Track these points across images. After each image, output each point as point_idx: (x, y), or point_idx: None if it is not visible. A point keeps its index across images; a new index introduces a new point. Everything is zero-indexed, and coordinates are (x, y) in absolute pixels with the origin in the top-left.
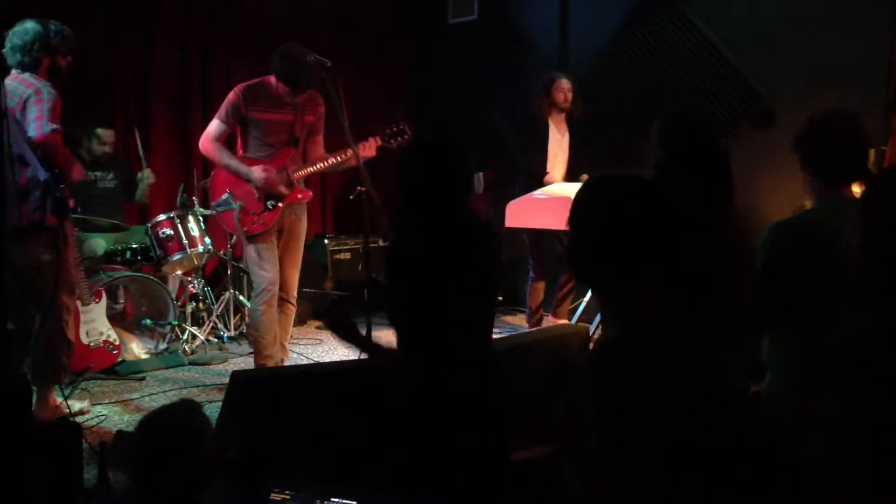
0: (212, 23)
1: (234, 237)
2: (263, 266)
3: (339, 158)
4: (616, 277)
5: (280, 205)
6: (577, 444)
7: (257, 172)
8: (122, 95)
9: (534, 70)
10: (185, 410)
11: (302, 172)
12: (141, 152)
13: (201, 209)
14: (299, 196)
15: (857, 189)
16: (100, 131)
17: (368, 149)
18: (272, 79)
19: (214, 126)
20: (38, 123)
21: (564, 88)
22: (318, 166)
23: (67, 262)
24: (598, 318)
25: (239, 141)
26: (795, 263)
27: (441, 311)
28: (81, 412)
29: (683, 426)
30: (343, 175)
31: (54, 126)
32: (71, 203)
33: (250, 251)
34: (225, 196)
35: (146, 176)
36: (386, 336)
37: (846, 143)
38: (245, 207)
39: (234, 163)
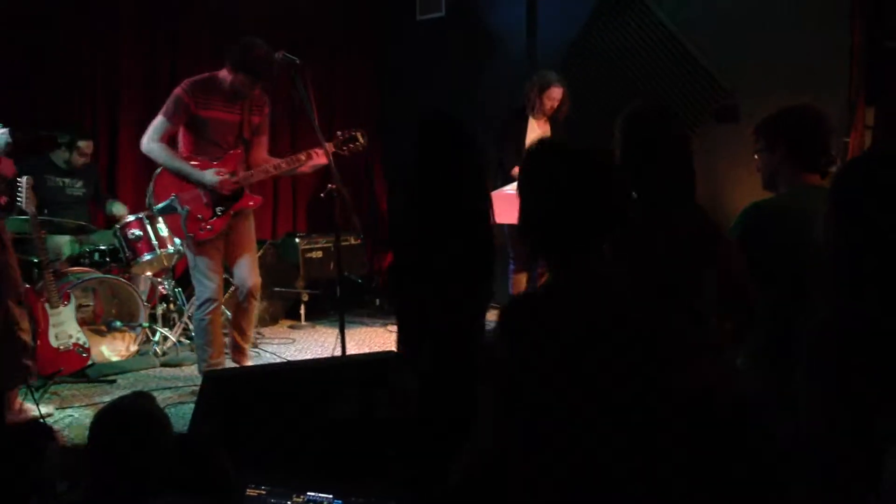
0: (179, 21)
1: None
2: (208, 276)
3: (291, 165)
4: (557, 243)
5: (231, 211)
6: (493, 391)
7: (210, 176)
8: (91, 97)
9: (502, 66)
10: (137, 399)
11: (251, 178)
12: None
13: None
14: (250, 203)
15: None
16: (81, 143)
17: (321, 156)
18: (223, 73)
19: (159, 124)
20: None
21: (554, 98)
22: (269, 171)
23: (9, 265)
24: None
25: (183, 140)
26: (768, 244)
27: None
28: (47, 416)
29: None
30: (313, 173)
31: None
32: (2, 200)
33: (197, 260)
34: (170, 200)
35: (118, 209)
36: (361, 335)
37: (820, 132)
38: (191, 213)
39: (182, 166)
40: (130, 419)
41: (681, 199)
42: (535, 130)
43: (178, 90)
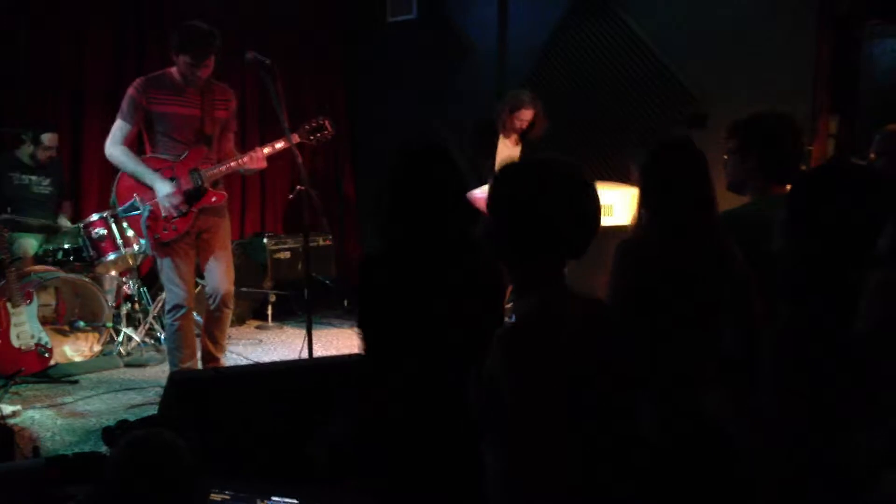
0: (146, 21)
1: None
2: (175, 281)
3: (250, 159)
4: (528, 258)
5: (193, 209)
6: (495, 420)
7: (163, 187)
8: (54, 95)
9: (472, 69)
10: (159, 437)
11: (215, 173)
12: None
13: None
14: (213, 199)
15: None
16: (44, 137)
17: (259, 160)
18: (172, 69)
19: (117, 127)
20: None
21: (524, 119)
22: (232, 167)
23: None
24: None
25: (145, 139)
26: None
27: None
28: (14, 414)
29: (591, 400)
30: (282, 173)
31: None
32: None
33: (163, 263)
34: (132, 201)
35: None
36: (329, 337)
37: (794, 145)
38: (154, 213)
39: (140, 168)
40: (153, 459)
41: (703, 228)
42: (506, 146)
43: (130, 89)
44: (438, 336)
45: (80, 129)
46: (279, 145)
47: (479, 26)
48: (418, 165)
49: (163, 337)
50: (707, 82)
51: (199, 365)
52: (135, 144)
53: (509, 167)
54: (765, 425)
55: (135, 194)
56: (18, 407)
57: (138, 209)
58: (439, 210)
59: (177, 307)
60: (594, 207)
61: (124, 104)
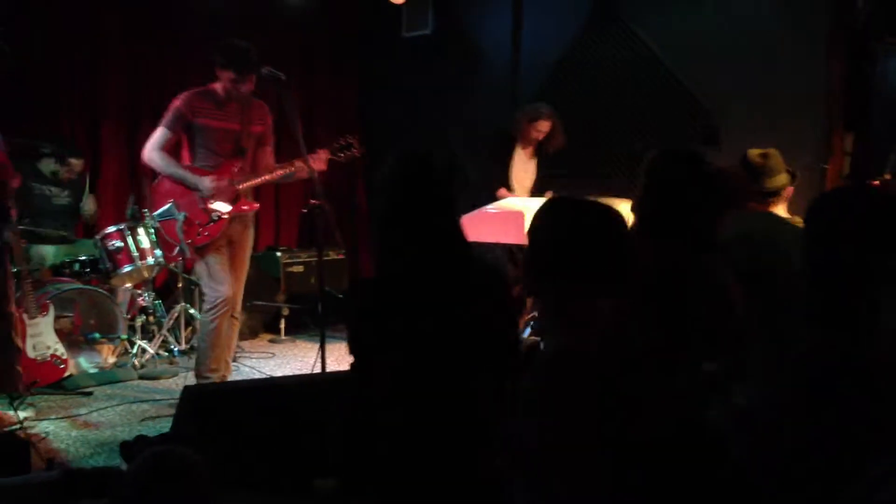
0: (163, 34)
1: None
2: (217, 280)
3: (286, 171)
4: (570, 289)
5: (224, 216)
6: (527, 449)
7: (207, 182)
8: (71, 106)
9: (487, 85)
10: (176, 454)
11: (248, 183)
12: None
13: (152, 221)
14: (244, 207)
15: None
16: (73, 160)
17: (319, 161)
18: (216, 84)
19: (159, 134)
20: None
21: (541, 130)
22: (264, 178)
23: (8, 272)
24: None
25: (185, 150)
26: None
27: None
28: (26, 420)
29: (635, 433)
30: (296, 187)
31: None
32: (13, 213)
33: (201, 265)
34: (168, 206)
35: (89, 207)
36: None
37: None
38: (189, 218)
39: (180, 171)
40: (171, 475)
41: (705, 245)
42: (522, 158)
43: (176, 101)
44: (431, 347)
45: (97, 145)
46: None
47: (493, 42)
48: (401, 169)
49: (177, 349)
50: (719, 99)
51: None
52: (173, 151)
53: (554, 202)
54: (780, 449)
55: (171, 200)
56: (31, 413)
57: (174, 215)
58: (422, 214)
59: (219, 305)
60: (628, 251)
61: (168, 114)
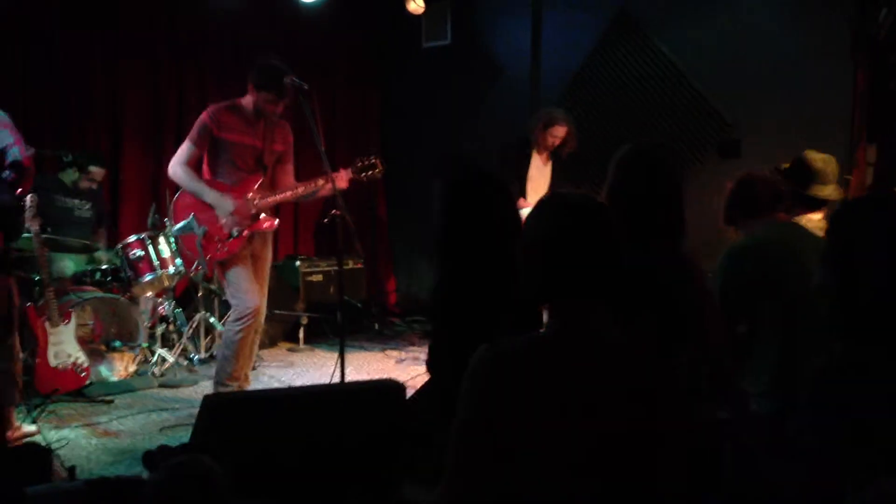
0: (185, 46)
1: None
2: (244, 290)
3: (308, 189)
4: (555, 289)
5: (245, 233)
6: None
7: (228, 204)
8: (94, 117)
9: (506, 94)
10: (196, 463)
11: (269, 201)
12: None
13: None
14: (265, 225)
15: (815, 217)
16: (93, 168)
17: (340, 180)
18: (245, 99)
19: (185, 149)
20: (20, 147)
21: (557, 135)
22: (286, 195)
23: (7, 284)
24: None
25: (206, 164)
26: (752, 283)
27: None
28: (32, 433)
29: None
30: (318, 198)
31: (32, 150)
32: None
33: (230, 275)
34: (188, 220)
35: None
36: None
37: (752, 181)
38: (209, 233)
39: (203, 189)
40: (193, 485)
41: (670, 246)
42: (537, 164)
43: (203, 115)
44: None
45: (119, 154)
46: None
47: (512, 52)
48: (473, 193)
49: (197, 358)
50: (741, 111)
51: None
52: (198, 165)
53: (542, 201)
54: (801, 460)
55: (191, 214)
56: (36, 427)
57: (193, 230)
58: (496, 239)
59: (247, 316)
60: (607, 245)
61: (195, 128)
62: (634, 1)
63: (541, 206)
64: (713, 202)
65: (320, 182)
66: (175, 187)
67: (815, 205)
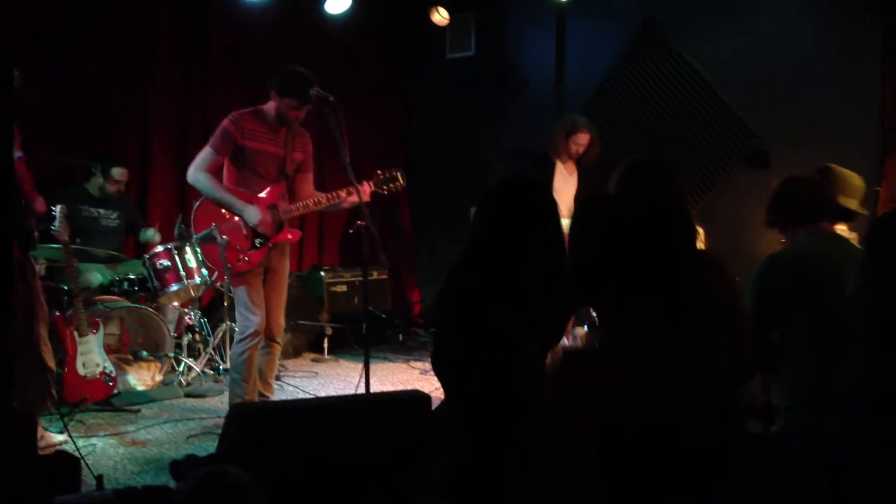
0: (211, 55)
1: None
2: (252, 309)
3: (331, 200)
4: (607, 294)
5: (269, 244)
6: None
7: (254, 213)
8: (122, 127)
9: (530, 106)
10: (226, 474)
11: (293, 211)
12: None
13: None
14: (289, 236)
15: (840, 227)
16: (115, 170)
17: (364, 193)
18: (268, 105)
19: (206, 155)
20: None
21: (580, 143)
22: (309, 206)
23: (38, 294)
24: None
25: (226, 171)
26: (788, 294)
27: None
28: (61, 443)
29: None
30: (341, 209)
31: (18, 154)
32: (36, 235)
33: (239, 291)
34: (209, 230)
35: (151, 235)
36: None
37: (805, 188)
38: (230, 243)
39: (226, 196)
40: (221, 496)
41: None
42: (562, 173)
43: (225, 122)
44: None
45: (148, 164)
46: (362, 192)
47: (536, 62)
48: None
49: (222, 368)
50: (768, 122)
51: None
52: (218, 173)
53: (586, 205)
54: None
55: (213, 223)
56: (64, 436)
57: (216, 239)
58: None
59: (253, 334)
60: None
61: (217, 134)
62: (660, 11)
63: (589, 211)
64: (741, 212)
65: (342, 194)
66: (199, 196)
67: (841, 215)
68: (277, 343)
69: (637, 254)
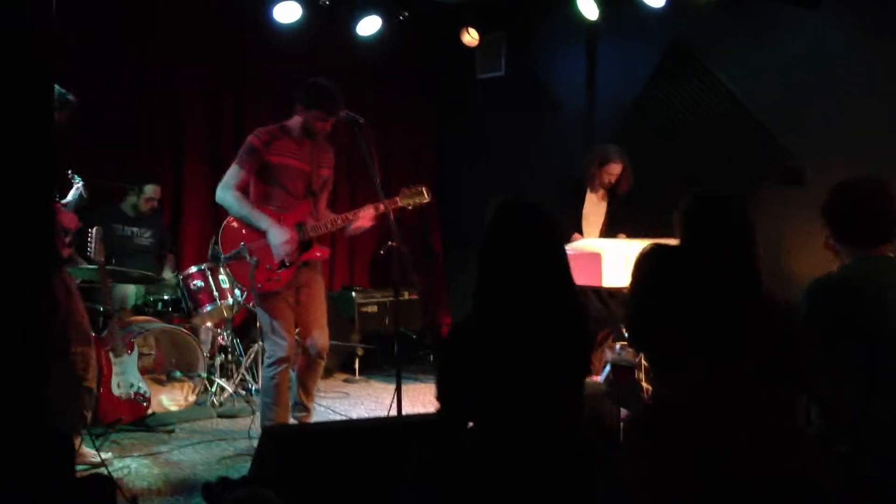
0: (244, 76)
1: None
2: (279, 333)
3: (346, 221)
4: (674, 341)
5: (298, 262)
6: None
7: (279, 233)
8: (156, 148)
9: (561, 126)
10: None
11: (322, 230)
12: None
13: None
14: (318, 254)
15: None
16: (147, 188)
17: (365, 219)
18: (293, 120)
19: (233, 173)
20: None
21: (612, 172)
22: (337, 224)
23: (76, 312)
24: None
25: (253, 187)
26: (834, 321)
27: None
28: (97, 464)
29: (729, 480)
30: (371, 229)
31: None
32: (66, 253)
33: (266, 316)
34: (238, 249)
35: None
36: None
37: (874, 207)
38: (260, 263)
39: (254, 215)
40: None
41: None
42: (593, 201)
43: (250, 137)
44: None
45: (181, 185)
46: (382, 208)
47: (567, 83)
48: (515, 217)
49: (254, 388)
50: (803, 140)
51: (290, 415)
52: (247, 190)
53: (650, 255)
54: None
55: (241, 243)
56: (108, 455)
57: (245, 258)
58: (538, 265)
59: (280, 361)
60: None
61: (242, 151)
62: (690, 29)
63: (656, 260)
64: (777, 231)
65: (349, 217)
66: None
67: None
68: (323, 360)
69: (706, 306)
